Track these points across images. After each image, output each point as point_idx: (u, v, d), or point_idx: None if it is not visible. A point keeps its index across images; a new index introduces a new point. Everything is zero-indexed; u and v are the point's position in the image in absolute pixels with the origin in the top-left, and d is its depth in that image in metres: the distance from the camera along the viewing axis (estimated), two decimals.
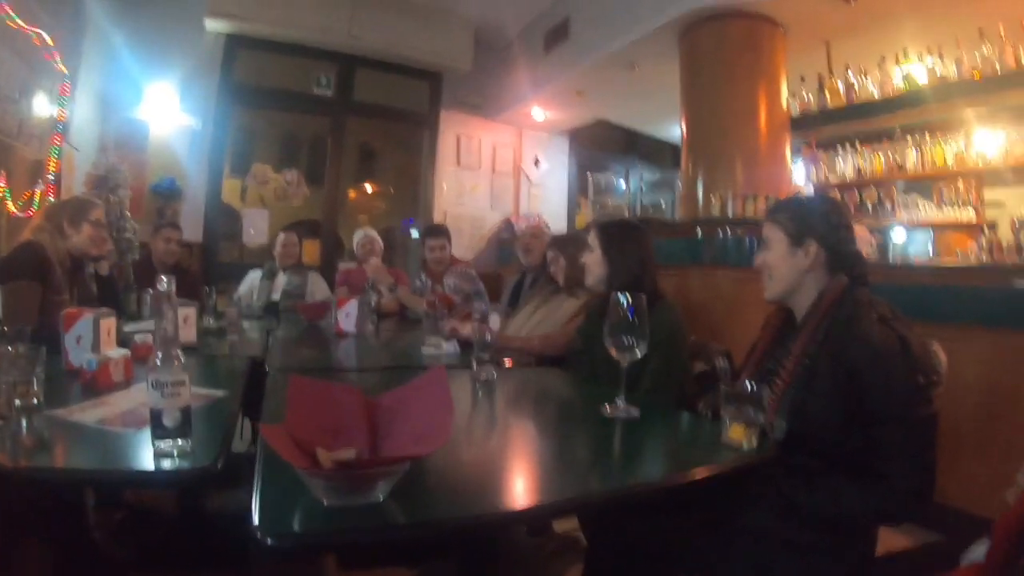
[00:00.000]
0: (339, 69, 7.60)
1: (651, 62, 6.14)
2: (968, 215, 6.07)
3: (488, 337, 2.23)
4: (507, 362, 2.71)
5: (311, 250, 7.50)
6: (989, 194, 6.07)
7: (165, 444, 1.27)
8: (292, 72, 7.58)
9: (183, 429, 1.28)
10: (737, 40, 5.22)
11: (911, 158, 6.20)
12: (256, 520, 0.96)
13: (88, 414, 1.61)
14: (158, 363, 1.26)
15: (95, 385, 1.89)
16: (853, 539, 1.69)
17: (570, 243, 3.50)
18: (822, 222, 1.85)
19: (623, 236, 2.69)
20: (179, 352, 1.29)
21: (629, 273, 2.56)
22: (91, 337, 2.08)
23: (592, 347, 2.65)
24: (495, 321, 2.28)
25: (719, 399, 1.58)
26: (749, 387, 1.54)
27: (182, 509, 2.58)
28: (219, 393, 1.84)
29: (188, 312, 2.73)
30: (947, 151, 6.00)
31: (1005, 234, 5.45)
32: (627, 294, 1.79)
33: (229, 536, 2.00)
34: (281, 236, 5.43)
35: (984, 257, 5.12)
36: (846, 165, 6.71)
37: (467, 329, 2.94)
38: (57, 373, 1.99)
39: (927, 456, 1.60)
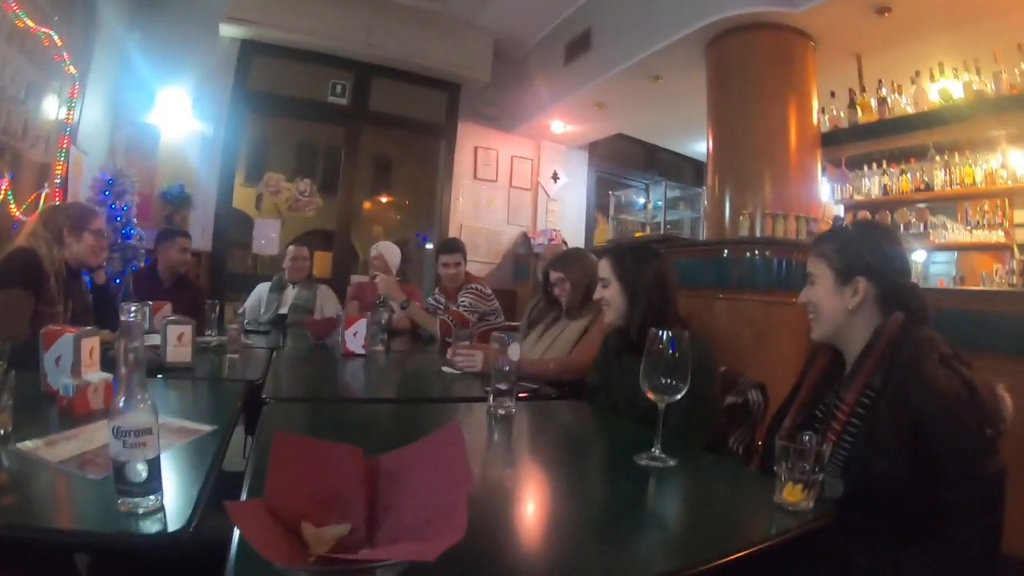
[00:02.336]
0: (355, 77, 7.47)
1: (676, 74, 5.96)
2: (997, 236, 5.85)
3: (507, 368, 2.02)
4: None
5: (323, 262, 7.36)
6: (1019, 216, 5.84)
7: (129, 502, 1.08)
8: (307, 80, 7.47)
9: (150, 484, 1.08)
10: (766, 53, 5.03)
11: (939, 177, 5.95)
12: None
13: (57, 449, 1.41)
14: (120, 406, 1.07)
15: (71, 412, 1.70)
16: None
17: (573, 263, 3.33)
18: (872, 254, 1.68)
19: (639, 262, 2.45)
20: (147, 395, 1.09)
21: (650, 302, 2.34)
22: (71, 358, 1.89)
23: (610, 382, 2.46)
24: (515, 351, 2.06)
25: (776, 453, 1.36)
26: (808, 441, 1.35)
27: None
28: (207, 428, 1.63)
29: (183, 330, 2.53)
30: (976, 170, 5.74)
31: None
32: (667, 330, 1.61)
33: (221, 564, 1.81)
34: (291, 249, 5.27)
35: (1015, 280, 4.92)
36: (872, 184, 6.50)
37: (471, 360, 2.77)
38: (36, 396, 1.81)
39: (996, 515, 1.43)
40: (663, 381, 1.58)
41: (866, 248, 1.69)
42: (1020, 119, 4.98)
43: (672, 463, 1.57)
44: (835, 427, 1.56)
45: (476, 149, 8.23)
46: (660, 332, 1.60)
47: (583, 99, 7.12)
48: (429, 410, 2.30)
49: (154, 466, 1.09)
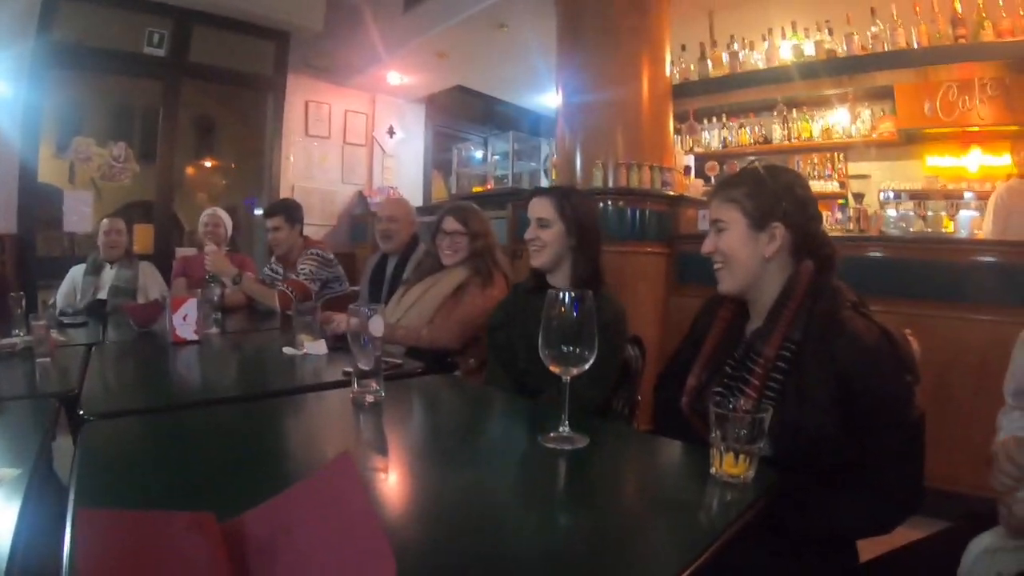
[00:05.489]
0: (173, 25, 6.72)
1: (523, 22, 5.80)
2: (832, 187, 6.50)
3: (371, 346, 1.68)
4: None
5: (144, 236, 6.63)
6: (852, 168, 6.53)
7: None
8: (120, 28, 6.61)
9: None
10: (620, 1, 4.89)
11: (777, 131, 6.60)
12: None
13: None
14: None
15: None
16: (836, 554, 1.52)
17: (476, 215, 3.10)
18: (788, 199, 1.59)
19: (584, 203, 2.31)
20: None
21: (594, 248, 2.22)
22: None
23: (515, 323, 2.29)
24: (378, 325, 1.73)
25: (712, 421, 1.22)
26: (742, 405, 1.27)
27: None
28: (10, 473, 1.17)
29: None
30: (813, 126, 6.44)
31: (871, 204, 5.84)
32: (569, 291, 1.37)
33: None
34: (104, 223, 4.66)
35: (851, 226, 5.19)
36: (712, 137, 6.96)
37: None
38: None
39: (919, 459, 1.45)
40: (565, 349, 1.35)
41: (781, 192, 1.59)
42: (869, 78, 5.36)
43: (582, 443, 1.35)
44: (754, 383, 1.48)
45: (307, 104, 7.80)
46: (560, 293, 1.36)
47: (423, 48, 6.85)
48: (284, 405, 1.90)
49: None
